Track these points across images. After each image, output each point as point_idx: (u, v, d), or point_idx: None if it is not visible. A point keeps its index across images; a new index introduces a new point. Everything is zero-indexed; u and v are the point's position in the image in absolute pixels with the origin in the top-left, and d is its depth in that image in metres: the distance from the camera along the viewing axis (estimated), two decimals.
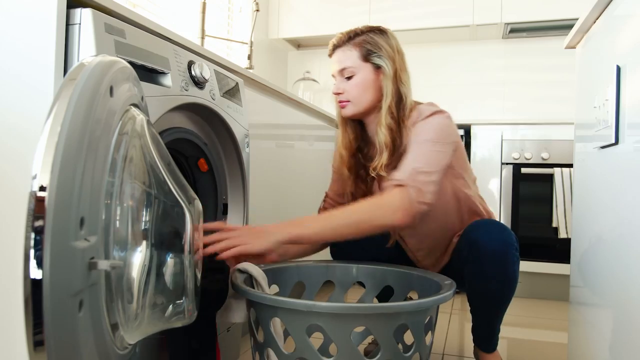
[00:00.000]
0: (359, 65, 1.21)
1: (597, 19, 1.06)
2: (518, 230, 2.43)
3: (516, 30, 2.91)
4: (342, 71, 1.22)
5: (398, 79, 1.22)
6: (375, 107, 1.23)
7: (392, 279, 1.27)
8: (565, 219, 2.30)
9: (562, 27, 2.77)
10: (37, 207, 0.52)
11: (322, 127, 2.38)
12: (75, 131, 0.56)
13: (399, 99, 1.21)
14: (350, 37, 1.22)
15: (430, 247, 1.35)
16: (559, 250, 2.34)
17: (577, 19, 1.15)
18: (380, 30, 1.24)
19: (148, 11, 2.12)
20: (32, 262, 0.51)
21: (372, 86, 1.22)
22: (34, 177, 0.52)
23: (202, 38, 2.27)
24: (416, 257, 1.39)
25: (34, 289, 0.51)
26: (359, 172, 1.32)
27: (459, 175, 1.28)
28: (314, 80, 3.20)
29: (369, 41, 1.21)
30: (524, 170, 2.44)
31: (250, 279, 1.09)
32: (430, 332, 1.04)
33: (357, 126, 1.32)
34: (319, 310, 0.90)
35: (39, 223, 0.51)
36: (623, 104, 0.84)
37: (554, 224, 2.33)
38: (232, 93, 1.35)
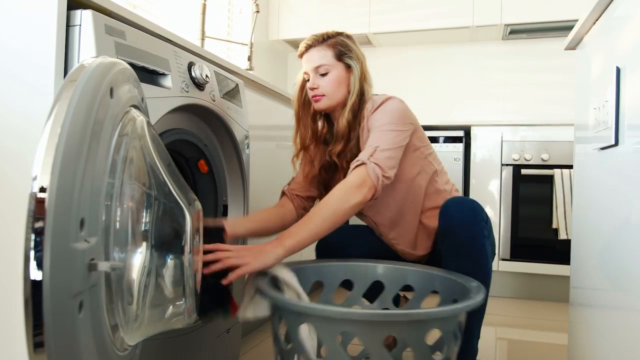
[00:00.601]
0: (334, 64, 1.32)
1: (596, 20, 1.06)
2: (518, 232, 2.43)
3: (516, 32, 2.91)
4: (317, 68, 1.32)
5: (363, 78, 1.34)
6: (343, 102, 1.34)
7: (413, 279, 1.26)
8: (565, 220, 2.30)
9: (561, 28, 2.78)
10: (38, 209, 0.52)
11: None
12: (76, 132, 0.56)
13: (362, 96, 1.33)
14: (324, 39, 1.33)
15: (398, 225, 1.39)
16: (559, 252, 2.34)
17: (576, 21, 1.15)
18: (347, 36, 1.36)
19: (148, 12, 2.13)
20: (32, 264, 0.51)
21: (344, 83, 1.33)
22: (34, 179, 0.52)
23: (202, 39, 2.27)
24: (390, 241, 1.43)
25: (34, 290, 0.51)
26: (323, 162, 1.41)
27: (425, 155, 1.37)
28: None
29: (340, 43, 1.33)
30: (524, 171, 2.44)
31: (274, 281, 1.08)
32: (459, 336, 1.03)
33: (315, 121, 1.42)
34: (354, 318, 0.89)
35: (39, 224, 0.51)
36: (623, 106, 0.84)
37: (554, 225, 2.33)
38: (232, 94, 1.35)
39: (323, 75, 1.32)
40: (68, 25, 0.86)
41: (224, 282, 1.00)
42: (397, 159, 1.24)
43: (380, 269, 1.30)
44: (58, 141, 0.54)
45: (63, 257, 0.54)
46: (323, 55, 1.32)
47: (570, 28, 1.28)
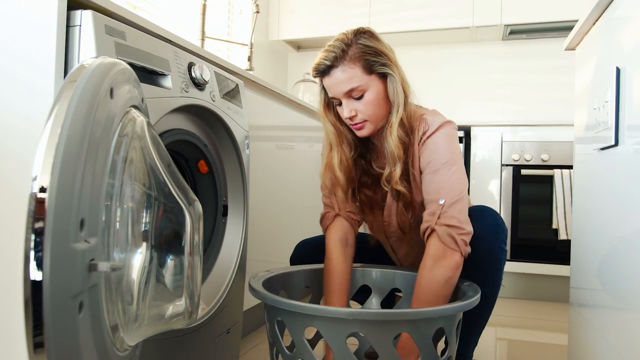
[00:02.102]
0: (367, 81, 1.08)
1: (596, 20, 1.06)
2: (518, 232, 2.43)
3: (516, 32, 2.92)
4: (350, 93, 1.09)
5: (404, 83, 1.13)
6: (387, 118, 1.13)
7: (400, 282, 1.24)
8: (565, 220, 2.30)
9: (561, 28, 2.78)
10: (38, 209, 0.52)
11: (322, 128, 2.38)
12: (76, 133, 0.56)
13: (405, 103, 1.13)
14: (344, 51, 1.08)
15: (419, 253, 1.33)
16: (559, 252, 2.34)
17: (576, 21, 1.15)
18: (368, 34, 1.11)
19: (148, 13, 2.13)
20: (32, 264, 0.51)
21: (384, 98, 1.11)
22: (34, 179, 0.52)
23: (202, 40, 2.27)
24: (401, 263, 1.37)
25: (34, 291, 0.51)
26: (362, 179, 1.25)
27: None
28: (314, 81, 3.19)
29: (365, 51, 1.08)
30: (524, 171, 2.44)
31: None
32: (457, 335, 1.03)
33: (352, 141, 1.21)
34: (362, 318, 0.89)
35: (39, 225, 0.51)
36: (623, 106, 0.84)
37: (554, 226, 2.33)
38: (232, 94, 1.35)
39: (358, 98, 1.10)
40: (68, 26, 0.86)
41: None
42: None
43: (367, 273, 1.30)
44: (58, 141, 0.54)
45: (63, 258, 0.54)
46: (352, 76, 1.07)
47: (570, 28, 1.28)
